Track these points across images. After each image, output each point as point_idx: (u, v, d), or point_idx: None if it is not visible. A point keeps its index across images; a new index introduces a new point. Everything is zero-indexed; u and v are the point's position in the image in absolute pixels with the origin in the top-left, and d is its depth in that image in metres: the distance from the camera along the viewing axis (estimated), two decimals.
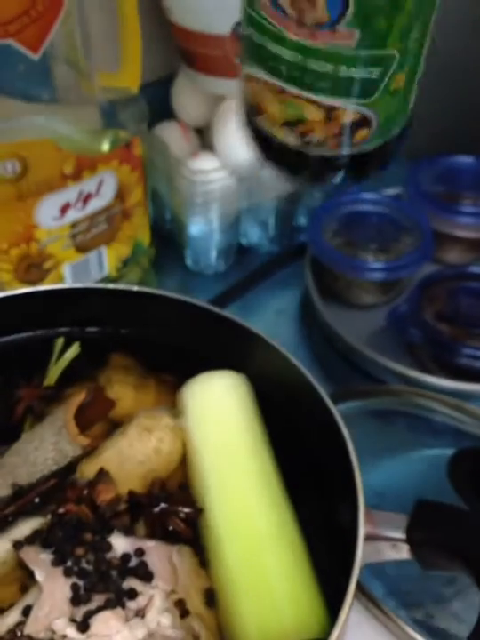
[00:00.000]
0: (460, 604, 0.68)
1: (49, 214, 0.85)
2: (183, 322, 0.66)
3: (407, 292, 0.93)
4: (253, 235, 1.03)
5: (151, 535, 0.57)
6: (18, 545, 0.56)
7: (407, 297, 0.91)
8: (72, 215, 0.87)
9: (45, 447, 0.60)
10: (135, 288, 0.67)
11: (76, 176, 0.85)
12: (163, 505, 0.57)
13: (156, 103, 0.91)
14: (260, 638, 0.51)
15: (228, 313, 0.63)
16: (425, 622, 0.67)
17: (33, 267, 0.89)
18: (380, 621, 0.65)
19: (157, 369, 0.68)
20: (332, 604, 0.54)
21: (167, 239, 1.03)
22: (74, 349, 0.67)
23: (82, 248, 0.91)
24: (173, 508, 0.57)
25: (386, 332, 0.92)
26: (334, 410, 0.57)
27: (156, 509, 0.57)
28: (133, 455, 0.60)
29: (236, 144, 0.90)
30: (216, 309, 0.64)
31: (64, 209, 0.86)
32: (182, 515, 0.57)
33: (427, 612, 0.70)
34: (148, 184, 0.94)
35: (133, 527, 0.57)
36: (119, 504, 0.57)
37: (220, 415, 0.62)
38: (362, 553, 0.50)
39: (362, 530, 0.51)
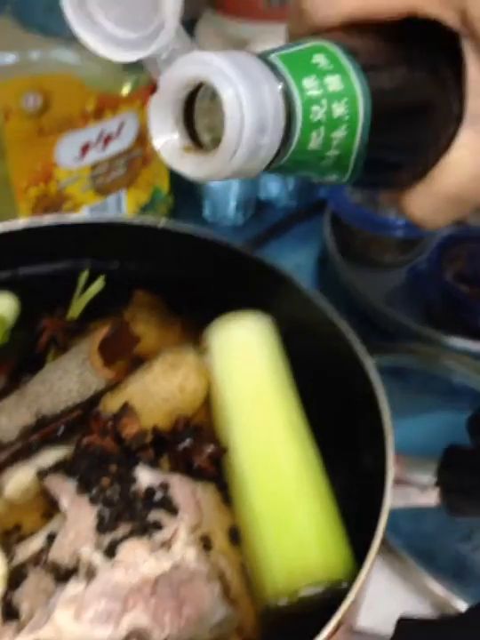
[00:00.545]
0: (476, 559, 0.68)
1: (69, 153, 0.84)
2: (211, 261, 0.65)
3: (427, 251, 0.92)
4: (272, 189, 1.01)
5: (175, 471, 0.56)
6: (42, 473, 0.55)
7: (427, 256, 0.90)
8: (92, 156, 0.85)
9: (69, 378, 0.59)
10: (162, 223, 0.65)
11: (98, 115, 0.84)
12: (187, 442, 0.57)
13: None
14: (286, 576, 0.51)
15: (256, 253, 0.62)
16: (440, 577, 0.66)
17: (51, 208, 0.87)
18: (396, 570, 0.65)
19: (182, 308, 0.67)
20: (357, 548, 0.53)
21: (185, 189, 1.01)
22: (98, 284, 0.66)
23: (101, 191, 0.89)
24: (198, 446, 0.56)
25: (404, 291, 0.91)
26: (363, 353, 0.56)
27: (181, 446, 0.56)
28: (158, 392, 0.59)
29: None
30: (245, 250, 0.63)
31: (84, 149, 0.85)
32: (206, 453, 0.56)
33: (442, 568, 0.69)
34: None
35: (157, 462, 0.56)
36: (144, 438, 0.56)
37: (245, 356, 0.61)
38: (390, 497, 0.49)
39: (391, 473, 0.50)
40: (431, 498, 0.53)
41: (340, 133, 0.40)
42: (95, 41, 0.40)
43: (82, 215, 0.76)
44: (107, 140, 0.86)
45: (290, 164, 0.40)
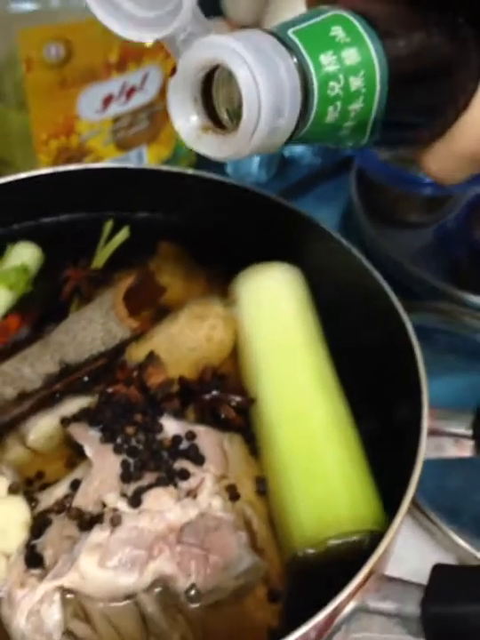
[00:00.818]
0: None
1: (91, 106, 0.82)
2: (238, 210, 0.64)
3: (455, 210, 0.90)
4: (297, 146, 0.99)
5: (201, 422, 0.55)
6: (65, 421, 0.54)
7: (456, 215, 0.89)
8: (114, 108, 0.84)
9: (93, 327, 0.58)
10: (190, 171, 0.64)
11: (121, 67, 0.82)
12: (214, 392, 0.56)
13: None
14: (314, 526, 0.51)
15: (289, 202, 0.61)
16: (465, 532, 0.65)
17: (72, 161, 0.86)
18: (421, 526, 0.64)
19: (208, 259, 0.66)
20: (385, 499, 0.52)
21: None
22: (123, 234, 0.65)
23: (122, 145, 0.88)
24: (225, 396, 0.56)
25: (430, 250, 0.90)
26: (398, 305, 0.55)
27: (207, 396, 0.56)
28: (183, 342, 0.58)
29: None
30: (277, 197, 0.62)
31: (107, 101, 0.83)
32: (233, 403, 0.56)
33: (464, 526, 0.68)
34: None
35: (183, 412, 0.55)
36: (170, 387, 0.55)
37: (273, 306, 0.60)
38: (425, 447, 0.48)
39: (425, 423, 0.49)
40: (466, 450, 0.52)
41: (357, 105, 0.41)
42: (112, 20, 0.40)
43: (107, 163, 0.75)
44: (129, 92, 0.84)
45: (308, 135, 0.41)
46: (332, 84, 0.40)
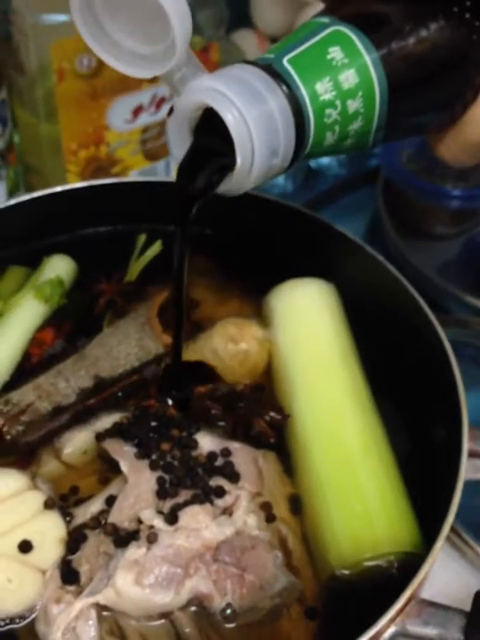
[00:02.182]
0: None
1: (121, 116, 0.82)
2: (273, 226, 0.64)
3: None
4: (323, 157, 0.99)
5: (233, 437, 0.55)
6: (100, 436, 0.54)
7: None
8: (144, 119, 0.84)
9: (129, 342, 0.58)
10: None
11: (152, 78, 0.82)
12: (247, 403, 0.56)
13: (234, 9, 0.87)
14: (352, 545, 0.50)
15: (322, 216, 0.60)
16: None
17: (100, 170, 0.86)
18: (451, 544, 0.64)
19: (240, 273, 0.66)
20: (421, 520, 0.52)
21: None
22: (156, 247, 0.65)
23: (151, 155, 0.88)
24: (259, 408, 0.56)
25: (457, 263, 0.89)
26: (436, 322, 0.55)
27: (242, 404, 0.56)
28: (217, 364, 0.58)
29: None
30: (310, 212, 0.61)
31: (137, 111, 0.83)
32: (268, 417, 0.55)
33: None
34: None
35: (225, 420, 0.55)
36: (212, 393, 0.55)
37: (308, 323, 0.60)
38: (465, 470, 0.48)
39: (466, 445, 0.49)
40: None
41: (356, 125, 0.41)
42: (109, 56, 0.42)
43: (139, 177, 0.75)
44: (159, 103, 0.84)
45: (309, 156, 0.42)
46: (328, 111, 0.40)
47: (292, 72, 0.39)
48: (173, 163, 0.42)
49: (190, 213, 0.48)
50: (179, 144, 0.43)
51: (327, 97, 0.39)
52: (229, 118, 0.38)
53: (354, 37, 0.40)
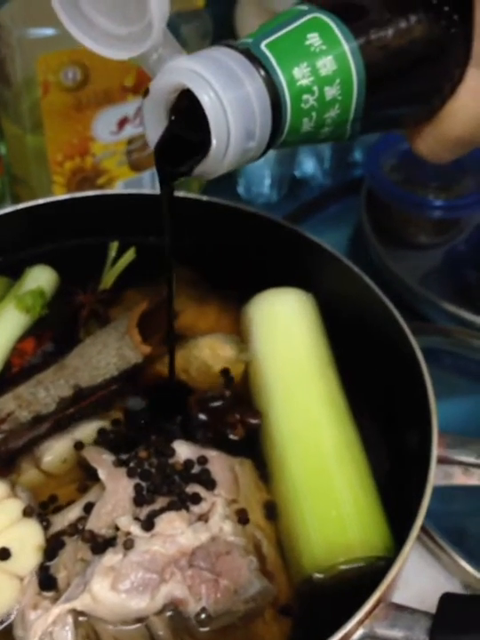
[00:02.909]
0: None
1: (106, 128, 0.83)
2: (251, 235, 0.65)
3: (466, 232, 0.91)
4: (308, 167, 1.01)
5: (212, 443, 0.56)
6: (79, 445, 0.55)
7: (466, 237, 0.89)
8: (129, 131, 0.85)
9: (108, 352, 0.59)
10: (205, 198, 0.65)
11: (137, 90, 0.83)
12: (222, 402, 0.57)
13: (218, 21, 0.88)
14: (326, 550, 0.51)
15: (300, 228, 0.62)
16: (470, 556, 0.66)
17: (86, 181, 0.87)
18: (426, 549, 0.65)
19: (220, 283, 0.67)
20: (393, 525, 0.53)
21: None
22: (129, 255, 0.66)
23: (136, 166, 0.89)
24: (232, 408, 0.57)
25: (440, 272, 0.90)
26: (408, 332, 0.56)
27: (216, 404, 0.57)
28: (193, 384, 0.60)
29: None
30: (288, 224, 0.63)
31: (122, 123, 0.84)
32: (238, 416, 0.57)
33: (470, 550, 0.69)
34: None
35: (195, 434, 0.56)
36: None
37: (286, 332, 0.61)
38: (434, 476, 0.49)
39: (435, 452, 0.50)
40: (474, 478, 0.53)
41: (333, 113, 0.41)
42: (86, 37, 0.42)
43: (122, 190, 0.76)
44: None
45: (285, 143, 0.41)
46: (305, 97, 0.39)
47: (270, 56, 0.39)
48: (150, 146, 0.42)
49: (171, 194, 0.49)
50: (154, 126, 0.42)
51: (304, 82, 0.39)
52: (206, 100, 0.38)
53: (333, 25, 0.40)
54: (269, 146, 0.41)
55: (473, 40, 0.43)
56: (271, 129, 0.40)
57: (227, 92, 0.38)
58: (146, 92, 0.42)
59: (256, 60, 0.39)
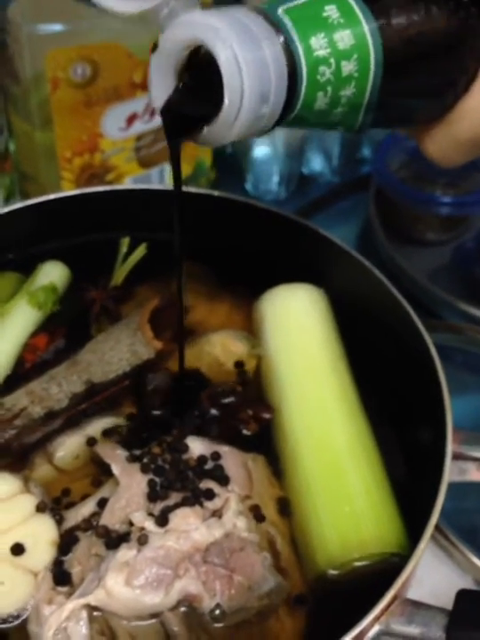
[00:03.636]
0: None
1: (115, 124, 0.83)
2: (262, 231, 0.65)
3: (474, 229, 0.91)
4: (316, 164, 1.00)
5: (224, 439, 0.56)
6: (91, 441, 0.55)
7: (475, 234, 0.89)
8: (138, 127, 0.85)
9: (120, 348, 0.59)
10: (216, 193, 0.65)
11: (146, 86, 0.83)
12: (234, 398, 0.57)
13: None
14: (340, 546, 0.51)
15: (312, 224, 0.62)
16: None
17: (95, 178, 0.87)
18: (439, 546, 0.65)
19: (231, 279, 0.67)
20: (407, 522, 0.53)
21: (227, 163, 1.00)
22: (140, 251, 0.66)
23: (145, 163, 0.89)
24: (244, 403, 0.57)
25: (448, 269, 0.90)
26: (422, 327, 0.56)
27: (229, 399, 0.57)
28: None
29: None
30: (299, 219, 0.62)
31: (131, 120, 0.84)
32: (251, 412, 0.57)
33: None
34: None
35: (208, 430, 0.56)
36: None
37: (298, 327, 0.61)
38: (448, 472, 0.49)
39: (450, 448, 0.50)
40: None
41: (348, 91, 0.39)
42: None
43: (132, 185, 0.76)
44: (153, 111, 0.85)
45: (295, 121, 0.40)
46: (322, 68, 0.38)
47: (287, 22, 0.37)
48: (154, 105, 0.39)
49: (179, 156, 0.46)
50: (160, 85, 0.39)
51: (321, 53, 0.38)
52: (222, 58, 0.35)
53: (351, 2, 0.39)
54: (281, 119, 0.39)
55: None
56: (285, 99, 0.38)
57: (244, 52, 0.35)
58: (154, 47, 0.39)
59: (274, 23, 0.37)
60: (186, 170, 0.93)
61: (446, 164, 0.47)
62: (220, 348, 0.60)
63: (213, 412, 0.58)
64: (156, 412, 0.57)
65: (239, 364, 0.59)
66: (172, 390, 0.57)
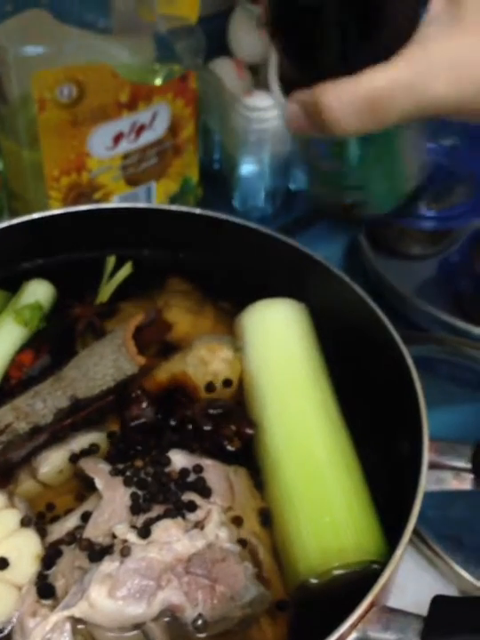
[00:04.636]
0: None
1: (102, 143, 0.84)
2: (244, 248, 0.66)
3: (458, 243, 0.92)
4: (302, 179, 1.02)
5: (207, 453, 0.57)
6: (74, 457, 0.56)
7: (459, 248, 0.90)
8: (125, 146, 0.86)
9: (105, 363, 0.60)
10: (198, 211, 0.66)
11: (131, 106, 0.84)
12: (219, 410, 0.57)
13: (212, 38, 0.89)
14: (320, 556, 0.52)
15: (292, 240, 0.63)
16: (467, 562, 0.66)
17: (82, 196, 0.88)
18: (423, 556, 0.65)
19: (215, 295, 0.68)
20: (387, 531, 0.54)
21: (214, 180, 1.02)
22: (126, 269, 0.67)
23: (132, 181, 0.90)
24: (229, 421, 0.57)
25: (434, 283, 0.91)
26: (399, 339, 0.57)
27: (215, 410, 0.57)
28: (188, 384, 0.60)
29: None
30: (280, 236, 0.64)
31: (117, 139, 0.85)
32: (234, 428, 0.57)
33: (466, 557, 0.69)
34: (199, 121, 0.93)
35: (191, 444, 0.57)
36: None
37: (279, 342, 0.62)
38: (425, 479, 0.49)
39: (426, 457, 0.51)
40: (466, 483, 0.53)
41: None
42: None
43: (117, 204, 0.77)
44: (139, 130, 0.86)
45: None
46: None
47: None
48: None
49: None
50: None
51: None
52: None
53: None
54: None
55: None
56: None
57: None
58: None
59: None
60: (172, 188, 0.95)
61: (340, 127, 0.46)
62: (204, 351, 0.61)
63: (196, 426, 0.58)
64: (137, 424, 0.57)
65: (227, 382, 0.60)
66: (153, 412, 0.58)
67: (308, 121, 0.48)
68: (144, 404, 0.58)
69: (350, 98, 0.45)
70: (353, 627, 0.45)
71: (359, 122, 0.46)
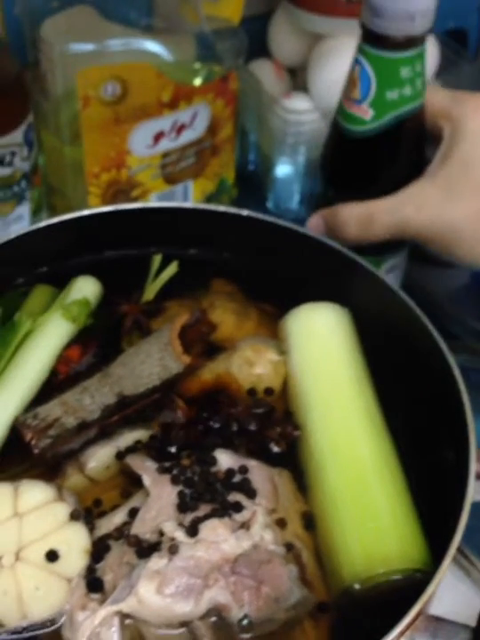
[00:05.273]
0: None
1: (142, 141, 0.85)
2: (289, 251, 0.66)
3: None
4: None
5: (251, 455, 0.57)
6: (120, 455, 0.57)
7: None
8: (164, 145, 0.87)
9: (151, 362, 0.60)
10: (245, 212, 0.67)
11: (173, 105, 0.85)
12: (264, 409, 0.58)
13: (252, 39, 0.89)
14: (363, 562, 0.52)
15: (335, 243, 0.63)
16: None
17: (121, 193, 0.89)
18: (458, 564, 0.65)
19: (259, 297, 0.68)
20: (430, 539, 0.54)
21: (249, 181, 1.02)
22: (171, 268, 0.67)
23: (170, 179, 0.91)
24: (274, 422, 0.58)
25: (468, 290, 0.91)
26: (445, 348, 0.57)
27: (259, 410, 0.58)
28: (232, 385, 0.61)
29: (332, 86, 0.88)
30: (326, 240, 0.64)
31: (157, 137, 0.86)
32: (279, 429, 0.58)
33: None
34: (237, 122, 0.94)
35: (235, 444, 0.58)
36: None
37: (323, 346, 0.62)
38: (473, 491, 0.50)
39: (473, 466, 0.51)
40: None
41: None
42: None
43: (163, 203, 0.78)
44: (180, 129, 0.87)
45: None
46: None
47: None
48: None
49: None
50: None
51: None
52: None
53: None
54: None
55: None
56: None
57: None
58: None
59: None
60: (209, 187, 0.95)
61: (340, 231, 0.68)
62: (249, 352, 0.62)
63: (241, 428, 0.59)
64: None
65: (269, 391, 0.61)
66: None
67: (326, 228, 0.69)
68: (179, 410, 0.59)
69: (356, 215, 0.66)
70: (401, 634, 0.45)
71: (359, 231, 0.66)
